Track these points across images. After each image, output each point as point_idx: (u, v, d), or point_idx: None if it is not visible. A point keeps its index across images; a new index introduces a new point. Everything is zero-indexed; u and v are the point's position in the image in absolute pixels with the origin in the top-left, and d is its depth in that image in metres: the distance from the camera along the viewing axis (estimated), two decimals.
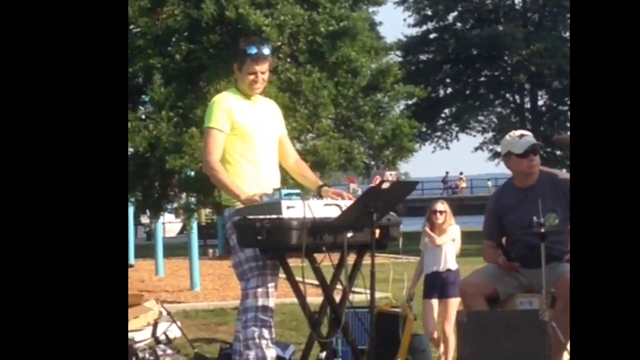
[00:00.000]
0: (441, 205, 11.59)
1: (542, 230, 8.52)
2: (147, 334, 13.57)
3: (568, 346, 8.55)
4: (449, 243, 11.35)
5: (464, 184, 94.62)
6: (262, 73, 8.72)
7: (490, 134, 49.48)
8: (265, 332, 8.34)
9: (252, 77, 8.61)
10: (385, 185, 8.23)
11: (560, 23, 50.46)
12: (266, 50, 8.77)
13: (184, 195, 25.87)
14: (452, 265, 11.21)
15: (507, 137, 9.41)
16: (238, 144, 8.49)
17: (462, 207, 52.17)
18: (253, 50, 8.65)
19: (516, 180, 9.26)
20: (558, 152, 39.30)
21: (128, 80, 19.16)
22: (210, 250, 34.67)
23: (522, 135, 9.26)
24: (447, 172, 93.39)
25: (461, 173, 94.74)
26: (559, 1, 49.77)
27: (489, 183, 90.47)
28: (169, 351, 13.86)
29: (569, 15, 50.42)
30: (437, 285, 11.11)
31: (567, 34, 50.50)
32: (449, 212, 11.56)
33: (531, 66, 48.29)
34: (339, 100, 34.36)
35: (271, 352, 8.39)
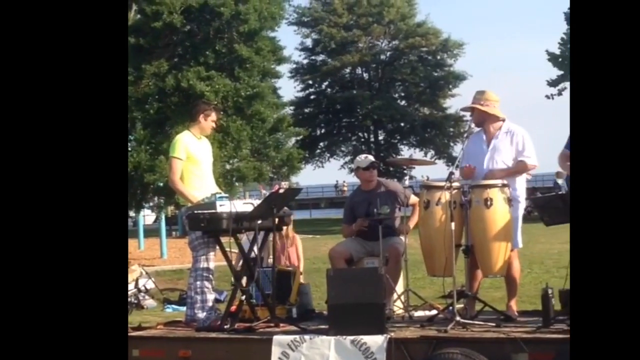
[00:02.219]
0: None
1: (379, 217, 8.57)
2: (132, 286, 14.21)
3: (397, 288, 8.58)
4: None
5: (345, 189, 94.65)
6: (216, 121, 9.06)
7: (348, 158, 49.45)
8: (207, 284, 8.33)
9: (213, 123, 8.86)
10: (281, 191, 8.35)
11: (392, 88, 50.59)
12: (215, 106, 9.43)
13: (156, 198, 26.67)
14: None
15: (357, 158, 9.45)
16: (191, 167, 8.55)
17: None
18: (213, 106, 9.25)
19: (362, 186, 9.27)
20: (391, 169, 39.37)
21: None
22: (174, 232, 34.38)
23: (366, 157, 9.30)
24: (337, 181, 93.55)
25: (339, 182, 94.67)
26: (391, 75, 49.95)
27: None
28: (146, 297, 14.23)
29: (399, 83, 50.70)
30: None
31: (396, 94, 50.69)
32: None
33: (374, 115, 48.34)
34: (254, 137, 34.56)
35: (211, 296, 8.39)
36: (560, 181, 22.49)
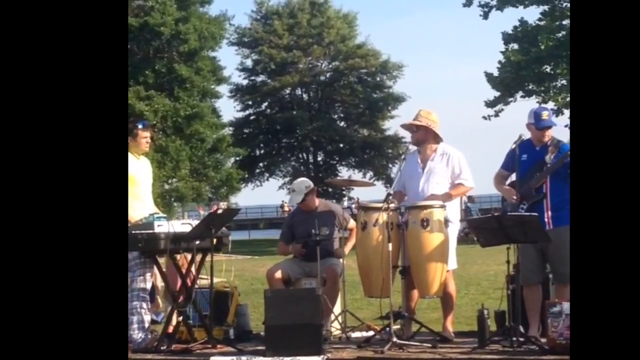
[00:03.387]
0: None
1: (317, 238, 8.59)
2: None
3: (335, 309, 8.59)
4: None
5: (287, 209, 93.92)
6: (149, 138, 8.87)
7: (288, 178, 49.52)
8: (144, 304, 8.25)
9: (145, 140, 8.66)
10: (220, 211, 8.34)
11: (331, 109, 50.83)
12: (147, 124, 9.04)
13: None
14: None
15: (295, 182, 9.42)
16: (130, 187, 8.43)
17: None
18: (143, 124, 8.85)
19: (302, 207, 9.26)
20: (330, 189, 39.50)
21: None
22: None
23: (301, 181, 9.29)
24: (283, 201, 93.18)
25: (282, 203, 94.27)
26: (330, 96, 50.18)
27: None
28: None
29: (338, 104, 50.89)
30: None
31: (336, 115, 50.92)
32: None
33: (313, 136, 48.53)
34: (193, 158, 34.51)
35: (147, 317, 8.31)
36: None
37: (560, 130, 8.09)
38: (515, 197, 7.74)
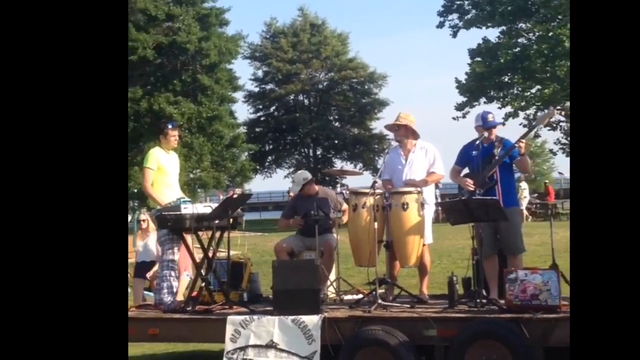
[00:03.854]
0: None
1: (316, 218, 8.56)
2: None
3: (330, 276, 8.56)
4: None
5: (292, 194, 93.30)
6: (177, 136, 8.82)
7: (292, 169, 49.38)
8: (172, 272, 8.23)
9: (174, 138, 8.65)
10: (235, 196, 8.30)
11: (327, 112, 50.70)
12: (175, 124, 9.00)
13: (130, 202, 26.02)
14: None
15: (296, 174, 9.41)
16: (161, 176, 8.47)
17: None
18: (172, 124, 8.84)
19: (302, 193, 9.20)
20: (327, 178, 39.39)
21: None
22: None
23: (300, 174, 9.26)
24: (289, 188, 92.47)
25: (288, 190, 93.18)
26: (327, 101, 50.06)
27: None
28: None
29: (334, 107, 50.80)
30: None
31: (331, 117, 50.83)
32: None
33: (313, 134, 48.44)
34: (214, 152, 34.45)
35: (175, 283, 8.29)
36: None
37: (501, 128, 8.21)
38: (471, 186, 7.75)
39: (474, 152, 7.88)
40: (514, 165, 7.92)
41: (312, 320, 7.12)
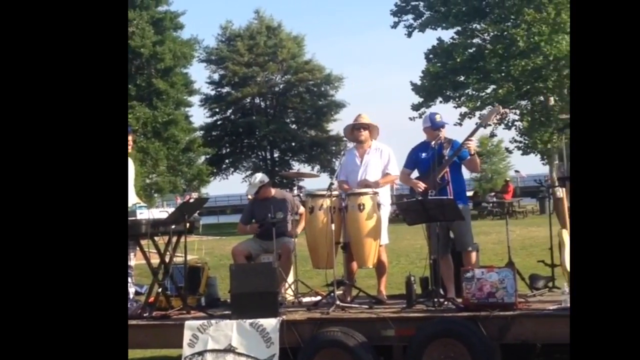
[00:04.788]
0: None
1: (273, 220, 8.55)
2: None
3: (289, 279, 8.55)
4: None
5: (249, 197, 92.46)
6: (132, 141, 8.70)
7: (249, 172, 49.25)
8: (129, 279, 8.16)
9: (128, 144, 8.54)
10: (192, 200, 8.25)
11: (284, 115, 50.70)
12: (129, 129, 8.85)
13: None
14: None
15: (256, 175, 9.37)
16: None
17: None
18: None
19: (259, 196, 9.16)
20: (284, 180, 39.37)
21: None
22: None
23: (255, 178, 9.23)
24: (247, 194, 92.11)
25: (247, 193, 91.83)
26: (284, 103, 50.05)
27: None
28: None
29: (290, 110, 50.78)
30: None
31: (288, 119, 50.83)
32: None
33: (270, 137, 48.38)
34: (170, 157, 34.33)
35: (132, 289, 8.23)
36: None
37: (451, 128, 8.22)
38: (422, 187, 7.78)
39: (423, 154, 7.93)
40: (462, 165, 7.96)
41: (270, 324, 7.11)
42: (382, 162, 8.32)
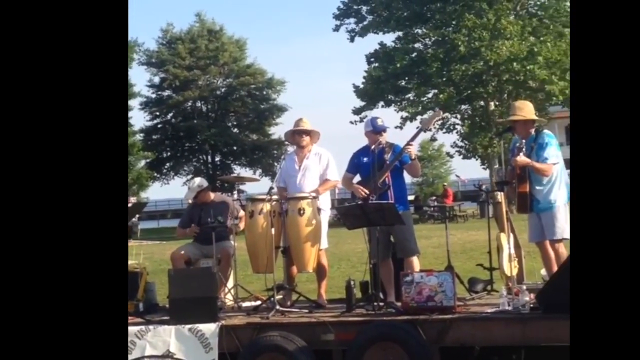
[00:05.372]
0: None
1: (213, 225, 8.49)
2: None
3: (228, 284, 8.50)
4: None
5: (189, 202, 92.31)
6: None
7: (190, 176, 48.94)
8: None
9: None
10: (130, 205, 8.14)
11: (226, 118, 50.52)
12: None
13: None
14: None
15: (195, 179, 9.30)
16: None
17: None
18: None
19: (198, 201, 9.09)
20: (225, 185, 39.22)
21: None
22: None
23: (194, 183, 9.14)
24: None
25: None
26: (225, 107, 49.85)
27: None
28: None
29: (232, 114, 50.60)
30: None
31: (230, 123, 50.65)
32: None
33: (211, 141, 48.17)
34: None
35: None
36: None
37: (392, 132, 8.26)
38: (363, 192, 7.76)
39: (364, 159, 7.91)
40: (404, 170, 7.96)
41: (209, 329, 7.07)
42: (321, 167, 8.33)
